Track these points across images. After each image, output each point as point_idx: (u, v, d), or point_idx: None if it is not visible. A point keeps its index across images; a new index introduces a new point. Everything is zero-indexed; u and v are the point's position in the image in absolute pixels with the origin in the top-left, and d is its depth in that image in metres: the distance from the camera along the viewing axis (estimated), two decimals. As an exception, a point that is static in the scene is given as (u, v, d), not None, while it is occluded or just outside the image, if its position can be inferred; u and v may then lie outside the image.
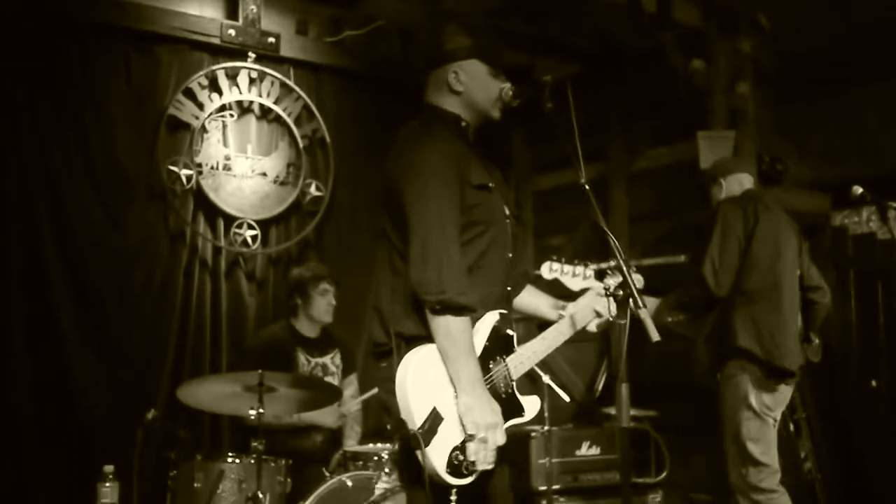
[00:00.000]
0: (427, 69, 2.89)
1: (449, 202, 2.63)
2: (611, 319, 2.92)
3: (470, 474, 2.57)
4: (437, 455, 2.53)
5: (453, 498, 2.56)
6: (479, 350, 2.66)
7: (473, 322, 2.66)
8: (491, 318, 2.73)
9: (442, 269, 2.55)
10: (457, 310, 2.55)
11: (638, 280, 2.95)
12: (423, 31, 5.95)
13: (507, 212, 2.87)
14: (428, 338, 2.60)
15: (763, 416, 4.24)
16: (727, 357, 4.31)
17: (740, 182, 4.63)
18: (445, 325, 2.56)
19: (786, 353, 4.26)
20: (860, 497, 5.81)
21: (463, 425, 2.56)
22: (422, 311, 2.60)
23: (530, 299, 3.10)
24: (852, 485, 5.82)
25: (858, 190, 3.77)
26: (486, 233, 2.74)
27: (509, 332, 2.78)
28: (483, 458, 2.55)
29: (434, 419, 2.54)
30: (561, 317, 2.98)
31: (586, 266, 3.00)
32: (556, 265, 2.99)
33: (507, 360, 2.74)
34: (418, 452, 2.52)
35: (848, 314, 5.91)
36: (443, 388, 2.59)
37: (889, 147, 5.79)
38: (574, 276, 2.99)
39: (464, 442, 2.57)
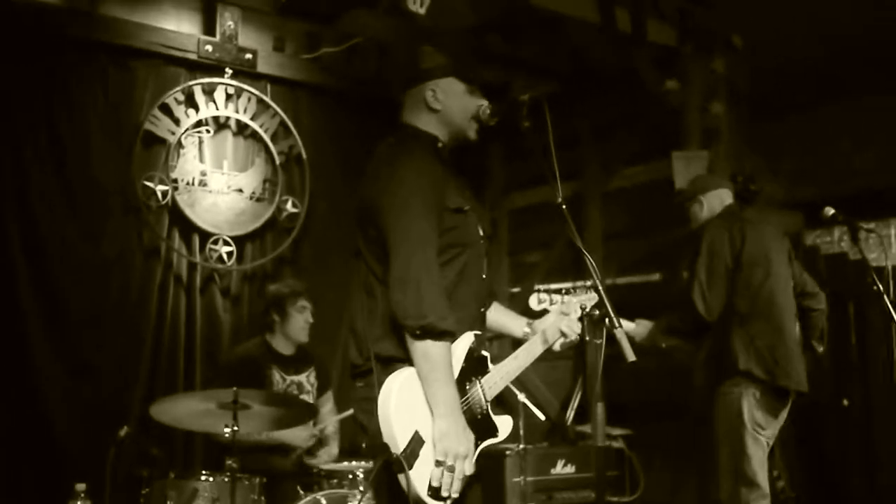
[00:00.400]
0: (404, 88, 2.90)
1: (429, 224, 2.63)
2: (575, 340, 2.92)
3: (448, 498, 2.56)
4: (419, 478, 2.53)
5: None
6: (455, 372, 2.65)
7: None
8: (466, 340, 2.73)
9: (423, 293, 2.54)
10: (438, 335, 2.55)
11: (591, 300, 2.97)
12: (400, 49, 5.97)
13: (482, 233, 2.87)
14: (406, 360, 2.60)
15: (757, 436, 4.23)
16: (726, 378, 4.26)
17: (721, 198, 4.60)
18: (424, 349, 2.55)
19: (789, 372, 4.22)
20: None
21: (434, 449, 2.55)
22: (400, 333, 2.59)
23: (496, 316, 3.10)
24: (825, 503, 5.86)
25: (830, 211, 3.80)
26: (461, 255, 2.74)
27: (484, 353, 2.78)
28: (447, 486, 2.54)
29: (416, 443, 2.54)
30: (526, 333, 2.99)
31: (574, 294, 3.00)
32: (544, 296, 3.01)
33: (482, 381, 2.73)
34: (401, 476, 2.51)
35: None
36: (423, 412, 2.58)
37: (861, 167, 5.86)
38: (562, 304, 3.00)
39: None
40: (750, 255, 4.30)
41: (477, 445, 2.65)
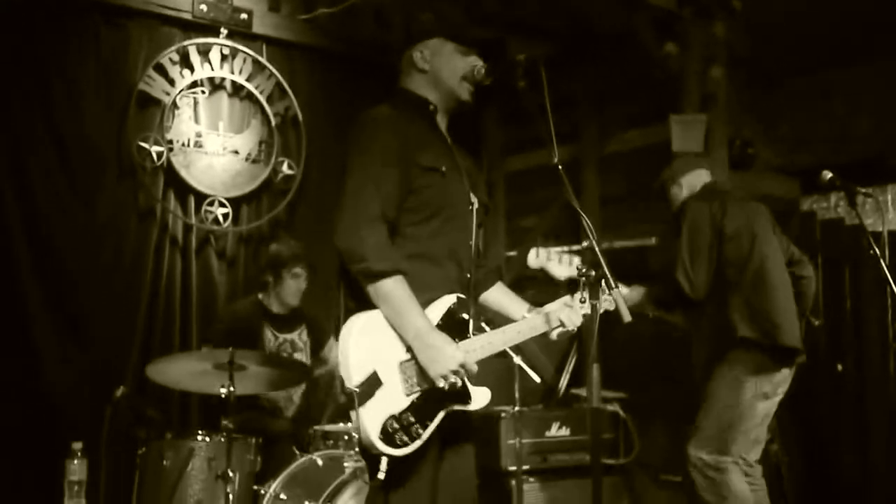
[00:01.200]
0: (399, 54, 2.92)
1: (376, 175, 2.65)
2: (573, 331, 2.93)
3: (403, 445, 2.56)
4: (370, 419, 2.53)
5: (383, 468, 2.56)
6: None
7: (429, 303, 2.68)
8: (447, 300, 2.73)
9: (362, 238, 2.59)
10: (379, 275, 2.58)
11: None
12: (396, 10, 5.93)
13: (474, 199, 2.87)
14: (368, 305, 2.63)
15: (755, 404, 4.25)
16: (727, 350, 4.27)
17: (699, 178, 4.63)
18: (375, 290, 2.60)
19: (786, 330, 4.24)
20: (825, 478, 5.89)
21: (414, 393, 2.59)
22: (356, 284, 2.64)
23: (498, 296, 3.10)
24: (817, 466, 5.91)
25: (828, 175, 3.78)
26: (437, 215, 2.75)
27: (465, 316, 2.77)
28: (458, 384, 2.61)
29: (372, 382, 2.55)
30: (525, 318, 2.97)
31: (572, 253, 3.00)
32: (542, 252, 3.00)
33: (461, 343, 2.71)
34: (352, 412, 2.53)
35: (815, 299, 5.95)
36: (387, 353, 2.61)
37: (858, 133, 5.84)
38: (560, 263, 3.00)
39: (403, 413, 2.57)
40: (733, 226, 4.33)
41: (445, 407, 2.66)
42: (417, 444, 2.59)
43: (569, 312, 2.93)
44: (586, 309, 2.76)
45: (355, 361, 2.55)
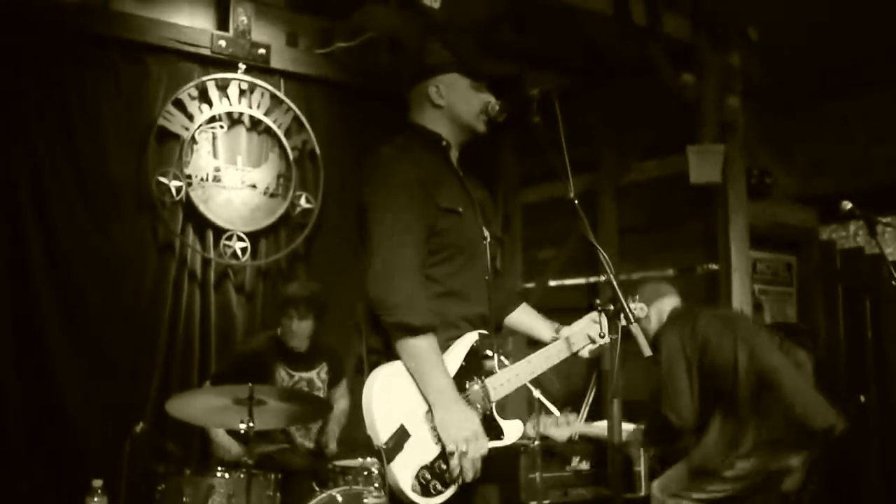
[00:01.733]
0: (409, 87, 2.89)
1: (409, 220, 2.62)
2: (605, 345, 2.88)
3: (437, 494, 2.53)
4: (401, 472, 2.50)
5: None
6: (454, 369, 2.63)
7: (450, 341, 2.66)
8: (469, 339, 2.71)
9: (397, 289, 2.54)
10: (413, 331, 2.54)
11: (640, 308, 2.94)
12: (410, 44, 5.96)
13: (487, 234, 2.85)
14: (393, 353, 2.59)
15: None
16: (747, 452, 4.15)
17: (667, 304, 4.56)
18: (404, 346, 2.55)
19: (811, 414, 4.12)
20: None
21: (442, 442, 2.54)
22: (382, 328, 2.59)
23: (524, 318, 3.07)
24: (843, 497, 5.83)
25: (847, 205, 3.76)
26: (457, 256, 2.72)
27: (488, 353, 2.74)
28: (467, 469, 2.52)
29: (400, 436, 2.52)
30: (554, 338, 2.94)
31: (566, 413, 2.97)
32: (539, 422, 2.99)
33: (487, 381, 2.68)
34: (384, 469, 2.50)
35: (836, 329, 5.92)
36: (412, 405, 2.57)
37: (876, 160, 5.82)
38: (557, 426, 2.96)
39: (434, 461, 2.54)
40: (710, 342, 4.25)
41: None
42: (453, 489, 2.56)
43: (598, 328, 2.86)
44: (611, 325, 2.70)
45: (381, 417, 2.52)
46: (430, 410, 2.57)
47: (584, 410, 5.49)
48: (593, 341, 2.89)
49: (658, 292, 4.63)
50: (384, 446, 2.48)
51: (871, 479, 5.78)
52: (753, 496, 4.22)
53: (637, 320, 2.61)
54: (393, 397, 2.55)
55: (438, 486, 2.54)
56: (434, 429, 2.56)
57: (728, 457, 4.13)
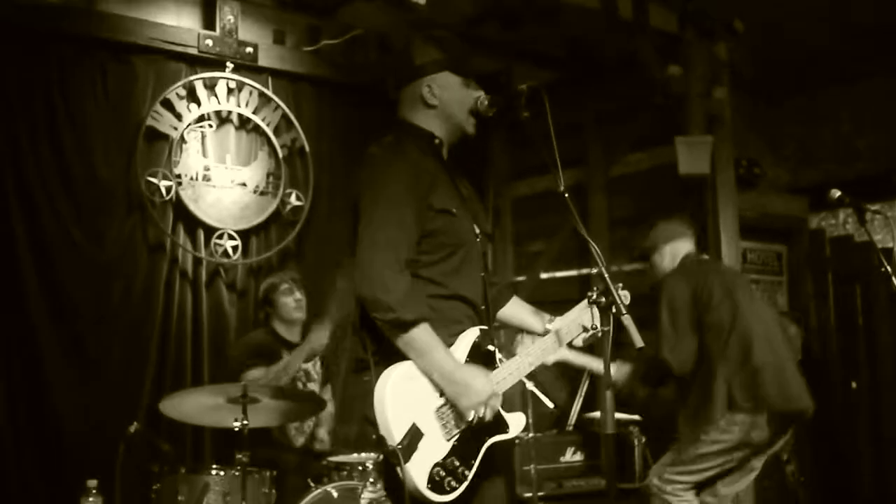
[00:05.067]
0: (399, 86, 2.89)
1: (401, 221, 2.63)
2: (599, 334, 2.90)
3: (452, 490, 2.56)
4: (417, 471, 2.52)
5: None
6: None
7: (453, 338, 2.68)
8: (472, 335, 2.73)
9: (388, 287, 2.55)
10: (407, 326, 2.56)
11: (625, 296, 2.95)
12: (398, 42, 5.96)
13: (478, 230, 2.86)
14: (389, 347, 2.61)
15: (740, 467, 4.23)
16: (715, 420, 4.17)
17: (681, 248, 4.58)
18: (403, 341, 2.58)
19: (780, 397, 4.16)
20: (842, 498, 5.85)
21: (453, 438, 2.58)
22: (375, 325, 2.61)
23: (516, 311, 3.10)
24: (834, 486, 5.87)
25: (836, 193, 3.78)
26: (454, 255, 2.74)
27: (490, 348, 2.77)
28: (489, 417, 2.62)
29: (414, 435, 2.53)
30: (547, 331, 2.97)
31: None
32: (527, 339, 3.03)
33: (490, 376, 2.70)
34: (398, 469, 2.51)
35: (827, 317, 5.96)
36: (423, 403, 2.59)
37: (864, 149, 5.85)
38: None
39: (447, 458, 2.57)
40: (713, 297, 4.27)
41: (485, 441, 2.66)
42: (465, 484, 2.59)
43: (590, 316, 2.87)
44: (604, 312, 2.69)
45: (394, 417, 2.53)
46: (440, 407, 2.60)
47: (579, 402, 5.51)
48: (585, 330, 2.93)
49: (676, 232, 4.64)
50: (399, 446, 2.50)
51: (863, 465, 5.81)
52: (745, 471, 4.27)
53: (627, 313, 2.61)
54: (405, 397, 2.57)
55: (453, 483, 2.57)
56: (444, 425, 2.59)
57: (708, 429, 4.16)
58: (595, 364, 4.19)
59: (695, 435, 4.21)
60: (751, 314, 4.29)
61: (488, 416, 2.61)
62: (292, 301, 4.99)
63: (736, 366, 4.17)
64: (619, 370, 4.33)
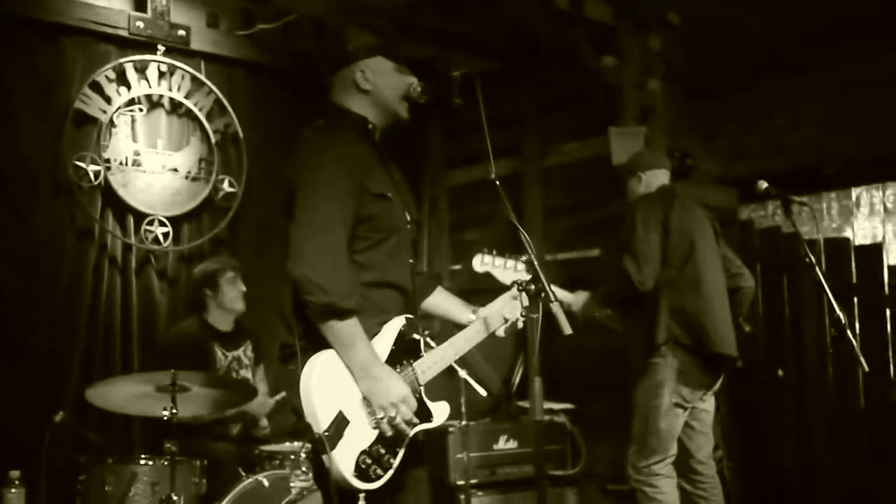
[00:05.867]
0: (332, 70, 2.87)
1: (338, 206, 2.61)
2: (519, 326, 2.94)
3: (378, 479, 2.57)
4: (343, 459, 2.52)
5: (361, 503, 2.56)
6: (385, 354, 2.66)
7: (380, 325, 2.68)
8: (397, 323, 2.73)
9: (324, 270, 2.53)
10: (340, 314, 2.54)
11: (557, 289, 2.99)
12: (335, 26, 5.90)
13: (409, 217, 2.86)
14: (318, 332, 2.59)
15: (675, 409, 4.31)
16: (655, 348, 4.34)
17: (658, 178, 4.70)
18: (330, 329, 2.56)
19: (718, 338, 4.31)
20: (769, 481, 5.97)
21: (373, 410, 2.57)
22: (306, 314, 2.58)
23: (440, 301, 3.11)
24: (761, 469, 5.99)
25: (763, 184, 3.84)
26: (387, 240, 2.74)
27: (416, 336, 2.78)
28: (401, 431, 2.59)
29: (340, 423, 2.53)
30: (471, 320, 2.99)
31: (517, 259, 3.01)
32: (487, 258, 3.02)
33: (415, 364, 2.73)
34: (324, 457, 2.50)
35: (755, 306, 6.05)
36: (349, 391, 2.58)
37: (795, 143, 5.94)
38: (505, 268, 3.01)
39: (372, 445, 2.57)
40: (677, 230, 4.41)
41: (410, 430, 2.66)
42: (390, 473, 2.60)
43: (512, 307, 2.94)
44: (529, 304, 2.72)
45: (320, 405, 2.52)
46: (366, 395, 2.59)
47: (514, 388, 5.54)
48: (507, 320, 2.96)
49: (657, 162, 4.78)
50: (325, 434, 2.49)
51: (790, 451, 5.94)
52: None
53: (556, 301, 2.63)
54: (331, 385, 2.56)
55: (378, 471, 2.57)
56: (371, 413, 2.59)
57: (655, 361, 4.31)
58: (571, 297, 4.31)
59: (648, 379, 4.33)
60: (706, 255, 4.44)
61: (399, 419, 2.58)
62: (236, 291, 4.95)
63: (681, 301, 4.31)
64: (577, 296, 4.40)
